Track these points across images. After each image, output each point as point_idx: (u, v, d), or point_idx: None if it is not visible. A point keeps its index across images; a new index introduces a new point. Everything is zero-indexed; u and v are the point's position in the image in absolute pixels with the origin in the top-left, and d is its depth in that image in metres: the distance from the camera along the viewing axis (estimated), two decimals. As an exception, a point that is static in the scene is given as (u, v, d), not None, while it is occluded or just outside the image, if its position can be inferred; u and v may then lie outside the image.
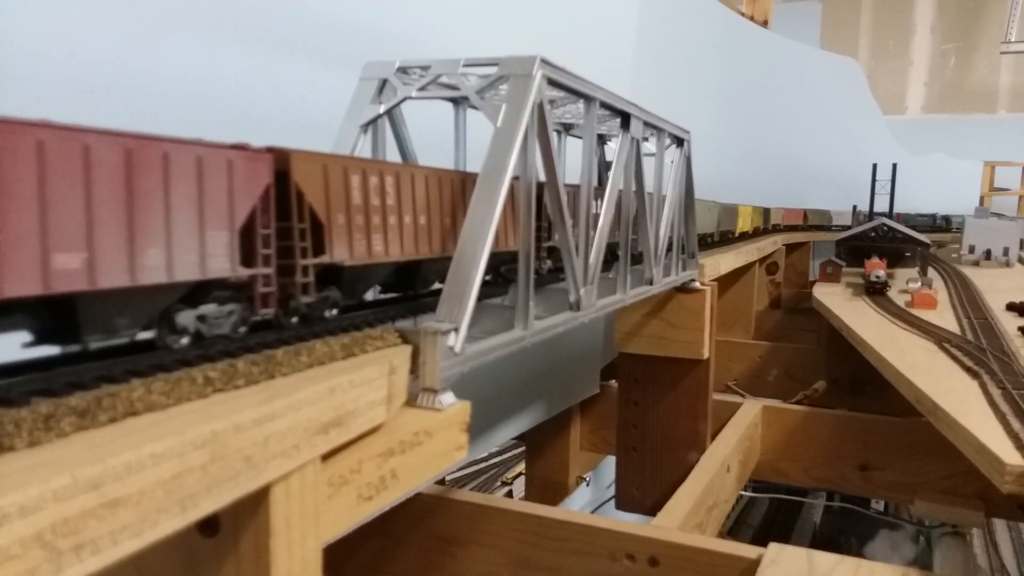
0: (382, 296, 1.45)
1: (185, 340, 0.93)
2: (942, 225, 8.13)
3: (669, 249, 2.32)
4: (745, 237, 4.87)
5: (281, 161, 1.03)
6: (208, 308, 0.95)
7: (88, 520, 0.65)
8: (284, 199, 1.04)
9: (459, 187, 1.46)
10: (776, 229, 6.09)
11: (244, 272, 0.97)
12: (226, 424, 0.78)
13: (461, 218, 1.40)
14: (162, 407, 0.82)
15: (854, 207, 7.76)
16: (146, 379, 0.83)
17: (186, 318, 0.93)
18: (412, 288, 1.43)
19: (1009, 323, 2.97)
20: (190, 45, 1.76)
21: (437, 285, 1.52)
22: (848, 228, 6.99)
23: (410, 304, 1.39)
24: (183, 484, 0.73)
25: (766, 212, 5.71)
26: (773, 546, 1.69)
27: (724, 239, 4.24)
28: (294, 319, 1.09)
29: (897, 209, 7.19)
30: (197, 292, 0.93)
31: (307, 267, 1.07)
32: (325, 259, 1.11)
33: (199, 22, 1.79)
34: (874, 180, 7.21)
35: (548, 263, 1.89)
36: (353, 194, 1.17)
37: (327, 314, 1.15)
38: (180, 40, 1.75)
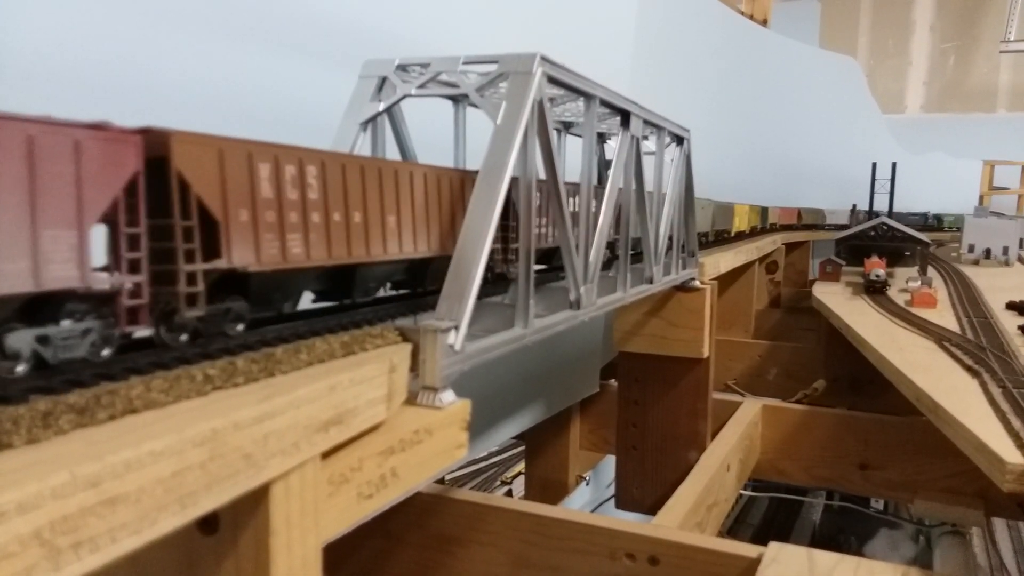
0: (315, 306, 1.26)
1: (21, 368, 0.76)
2: (933, 224, 8.15)
3: (669, 248, 2.31)
4: (742, 237, 4.78)
5: (157, 144, 0.85)
6: (60, 326, 0.78)
7: (87, 518, 0.64)
8: (165, 191, 0.86)
9: (408, 180, 1.30)
10: (773, 228, 6.05)
11: (101, 280, 0.79)
12: (225, 422, 0.78)
13: (413, 216, 1.31)
14: (161, 405, 0.82)
15: (854, 206, 7.79)
16: (145, 376, 0.82)
17: (19, 340, 0.75)
18: (350, 296, 1.26)
19: (1009, 322, 2.97)
20: (193, 45, 1.76)
21: (395, 290, 1.43)
22: (843, 227, 7.04)
23: (347, 315, 1.21)
24: (182, 482, 0.73)
25: (764, 211, 5.64)
26: (773, 545, 1.69)
27: (719, 239, 4.12)
28: (182, 336, 0.91)
29: (896, 208, 7.20)
30: (42, 307, 0.76)
31: (194, 274, 0.89)
32: (221, 264, 0.93)
33: (203, 23, 1.79)
34: (873, 179, 7.22)
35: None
36: (262, 186, 0.98)
37: (230, 330, 0.98)
38: (184, 40, 1.74)
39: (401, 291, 1.46)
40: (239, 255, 0.96)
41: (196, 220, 0.89)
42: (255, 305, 1.03)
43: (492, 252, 1.49)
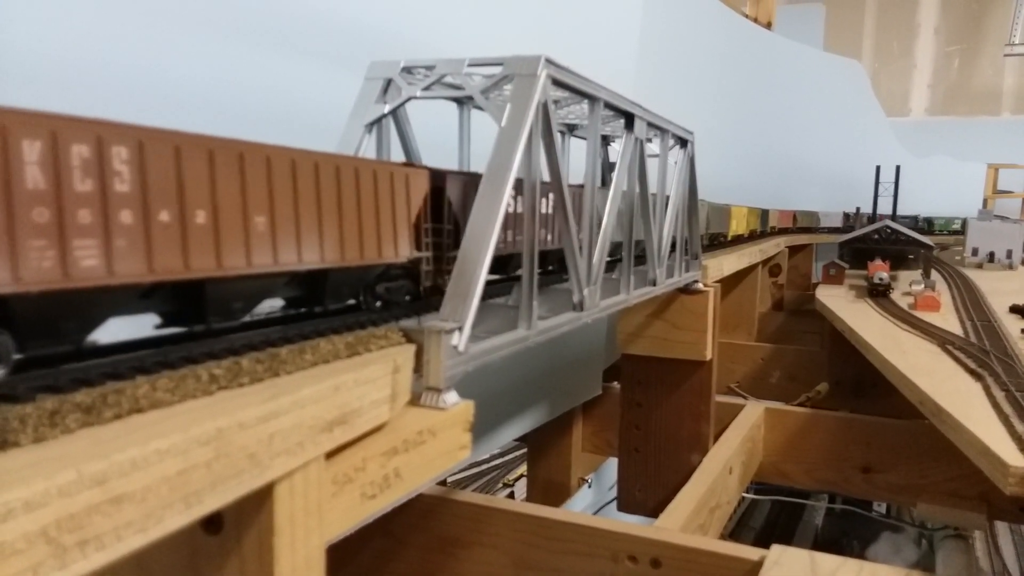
0: (157, 333, 0.97)
1: None
2: (923, 227, 8.17)
3: (672, 250, 2.31)
4: (740, 241, 4.56)
5: None
6: None
7: (93, 516, 0.65)
8: None
9: (289, 170, 1.02)
10: (774, 232, 5.97)
11: None
12: (231, 421, 0.78)
13: (297, 216, 1.03)
14: (167, 404, 0.82)
15: (857, 209, 7.83)
16: (151, 376, 0.83)
17: None
18: (202, 320, 0.96)
19: (1012, 325, 2.96)
20: (199, 46, 1.77)
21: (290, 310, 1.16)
22: (837, 229, 7.12)
23: (192, 346, 0.93)
24: (187, 481, 0.73)
25: (764, 214, 5.48)
26: (776, 548, 1.69)
27: (713, 243, 3.87)
28: None
29: (900, 211, 7.22)
30: None
31: None
32: None
33: (210, 23, 1.80)
34: (877, 182, 7.22)
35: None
36: (26, 172, 0.71)
37: None
38: (189, 40, 1.75)
39: (292, 311, 1.19)
40: None
41: None
42: (29, 340, 0.77)
43: (418, 262, 1.31)
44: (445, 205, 1.35)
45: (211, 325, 0.97)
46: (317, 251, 1.07)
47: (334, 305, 1.19)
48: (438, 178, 1.36)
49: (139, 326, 0.95)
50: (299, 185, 1.03)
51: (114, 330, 0.90)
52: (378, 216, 1.19)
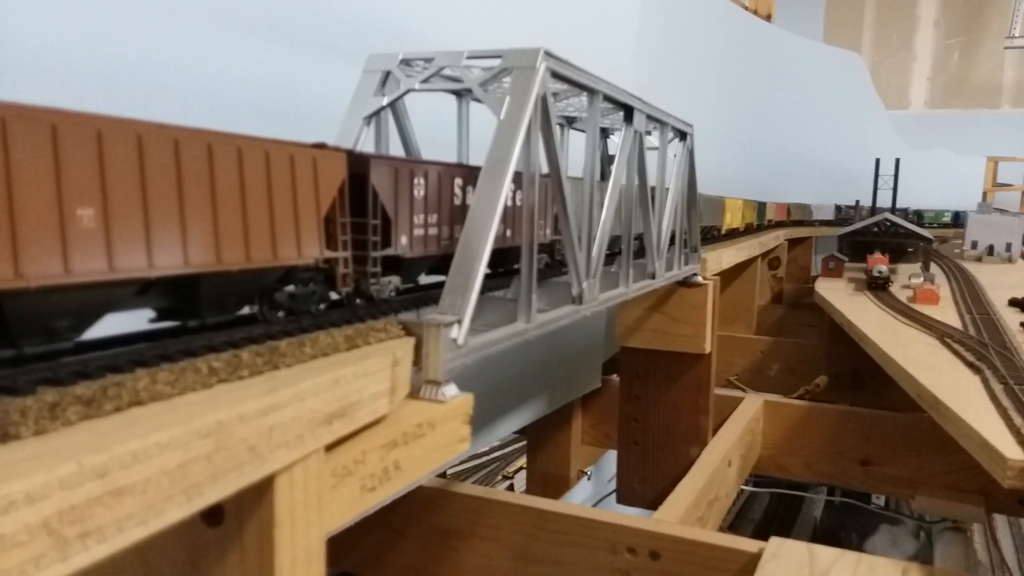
0: None
1: None
2: (913, 219, 8.20)
3: (672, 243, 2.32)
4: (735, 235, 4.43)
5: None
6: None
7: (94, 508, 0.65)
8: None
9: (135, 149, 0.80)
10: (771, 225, 5.93)
11: None
12: (231, 414, 0.78)
13: (145, 207, 0.81)
14: (167, 397, 0.82)
15: (856, 202, 7.86)
16: (151, 369, 0.83)
17: None
18: (10, 344, 0.75)
19: (1011, 319, 2.97)
20: (206, 42, 1.76)
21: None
22: (829, 222, 7.18)
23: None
24: (188, 473, 0.74)
25: (761, 207, 5.34)
26: (774, 540, 1.70)
27: (706, 237, 3.66)
28: None
29: (900, 204, 7.23)
30: None
31: None
32: None
33: (218, 21, 1.79)
34: (877, 175, 7.22)
35: (392, 283, 1.25)
36: None
37: None
38: (196, 37, 1.74)
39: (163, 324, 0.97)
40: None
41: None
42: None
43: (332, 262, 1.11)
44: (369, 196, 1.15)
45: (23, 350, 0.76)
46: (178, 252, 0.85)
47: (216, 317, 0.97)
48: (359, 163, 1.15)
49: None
50: (148, 169, 0.81)
51: None
52: (272, 208, 0.98)
